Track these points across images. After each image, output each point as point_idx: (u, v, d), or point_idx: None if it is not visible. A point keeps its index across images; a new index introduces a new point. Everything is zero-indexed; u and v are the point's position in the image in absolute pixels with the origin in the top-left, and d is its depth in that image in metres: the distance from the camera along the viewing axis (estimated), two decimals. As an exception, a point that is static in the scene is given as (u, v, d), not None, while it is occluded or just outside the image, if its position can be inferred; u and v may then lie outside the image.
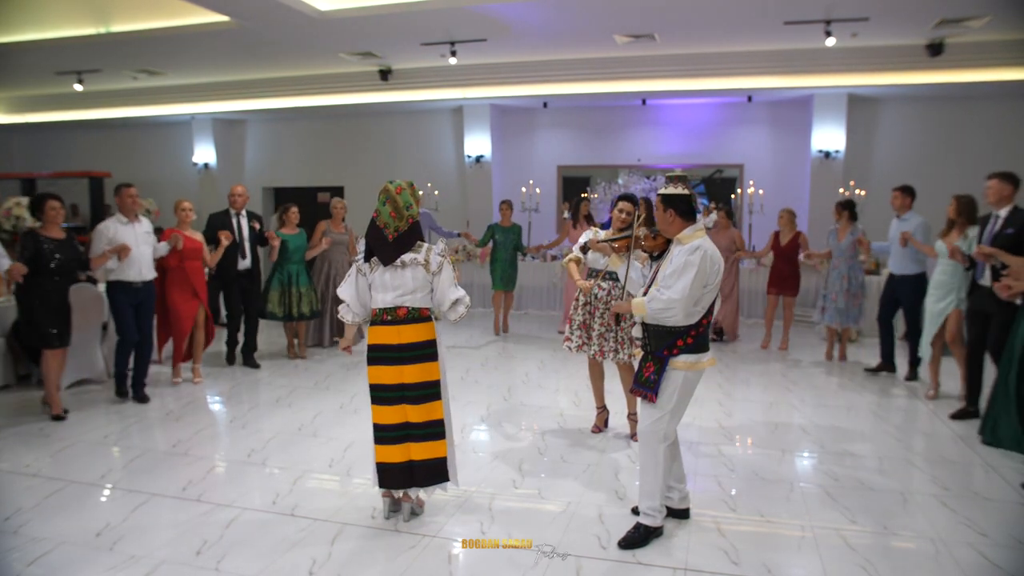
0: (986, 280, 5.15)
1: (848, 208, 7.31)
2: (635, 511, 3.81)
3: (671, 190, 3.49)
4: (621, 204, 4.78)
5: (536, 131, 12.20)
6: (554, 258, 10.41)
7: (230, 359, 7.30)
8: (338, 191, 13.35)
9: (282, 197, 13.87)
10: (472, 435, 5.18)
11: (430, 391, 3.59)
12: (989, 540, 3.55)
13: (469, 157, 11.94)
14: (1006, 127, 10.08)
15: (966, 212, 5.67)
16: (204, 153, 13.48)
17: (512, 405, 5.89)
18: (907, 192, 6.67)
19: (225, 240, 6.58)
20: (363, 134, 12.91)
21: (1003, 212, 5.16)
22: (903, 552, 3.46)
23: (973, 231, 5.55)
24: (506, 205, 8.97)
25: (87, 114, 12.79)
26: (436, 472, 3.65)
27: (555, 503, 3.97)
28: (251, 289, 7.17)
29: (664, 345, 3.43)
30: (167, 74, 11.02)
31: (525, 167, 12.09)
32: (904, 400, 6.04)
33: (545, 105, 11.58)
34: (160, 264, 6.13)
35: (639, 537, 3.48)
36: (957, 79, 9.13)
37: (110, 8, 8.12)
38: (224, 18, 7.92)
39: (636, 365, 3.70)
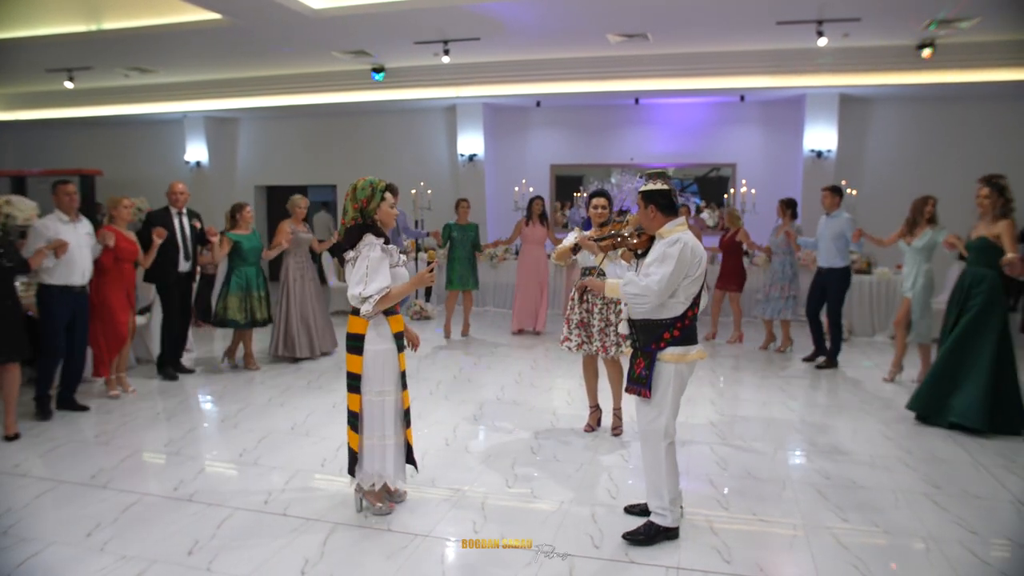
0: None
1: (791, 207, 7.75)
2: (627, 510, 3.83)
3: (651, 186, 3.51)
4: (595, 200, 4.80)
5: (529, 130, 12.21)
6: (547, 256, 10.39)
7: (160, 367, 6.70)
8: (331, 190, 13.34)
9: (275, 196, 13.85)
10: (464, 434, 5.17)
11: (351, 382, 3.70)
12: (979, 538, 3.57)
13: (462, 156, 11.93)
14: (997, 127, 10.16)
15: (935, 214, 6.23)
16: (196, 151, 13.44)
17: (505, 404, 5.89)
18: (836, 192, 7.15)
19: (158, 238, 6.06)
20: (356, 133, 12.89)
21: None
22: (894, 550, 3.47)
23: (930, 232, 6.14)
24: (464, 203, 8.74)
25: (78, 112, 12.72)
26: (351, 461, 3.76)
27: (548, 502, 3.97)
28: (186, 292, 6.70)
29: (652, 339, 3.44)
30: (159, 72, 10.98)
31: (518, 166, 12.10)
32: (894, 398, 6.06)
33: (538, 104, 11.59)
34: (107, 260, 5.75)
35: (645, 534, 3.46)
36: (948, 79, 9.19)
37: (101, 5, 8.07)
38: (216, 16, 7.88)
39: (625, 363, 3.69)
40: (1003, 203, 5.16)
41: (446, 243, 8.69)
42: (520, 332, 8.87)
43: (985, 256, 5.15)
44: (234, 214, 6.96)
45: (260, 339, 7.62)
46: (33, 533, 3.57)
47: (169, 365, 6.66)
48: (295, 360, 7.28)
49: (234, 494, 4.06)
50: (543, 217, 8.81)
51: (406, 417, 3.84)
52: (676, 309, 3.42)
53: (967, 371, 5.11)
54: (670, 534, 3.49)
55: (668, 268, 3.32)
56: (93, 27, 8.54)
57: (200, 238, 6.68)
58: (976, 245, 5.25)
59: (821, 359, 7.25)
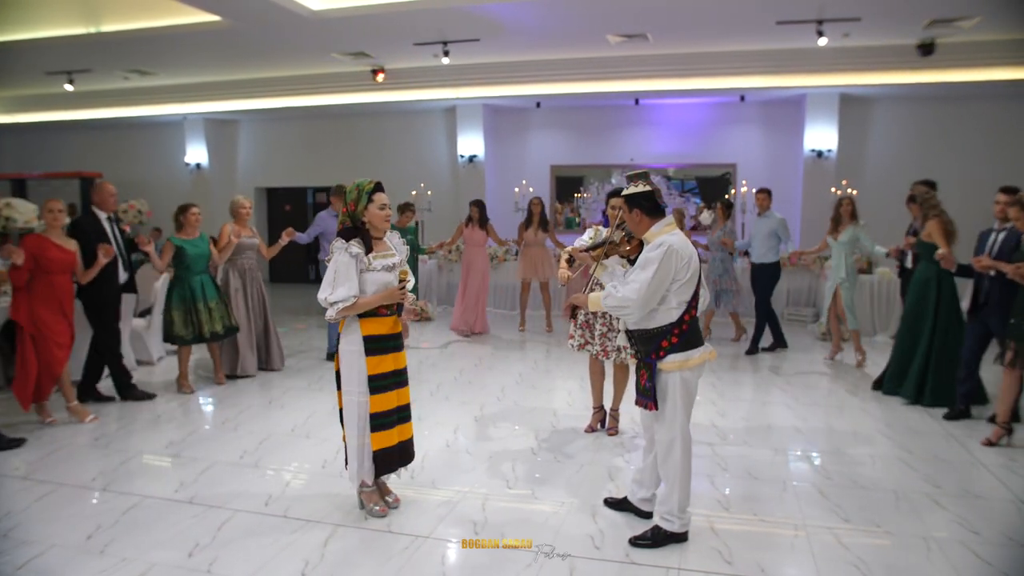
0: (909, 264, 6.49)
1: (730, 208, 8.42)
2: (606, 502, 3.88)
3: (633, 189, 3.41)
4: (613, 201, 4.75)
5: (529, 131, 12.21)
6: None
7: (122, 392, 5.99)
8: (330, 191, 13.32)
9: (275, 197, 13.87)
10: (465, 436, 5.17)
11: (336, 380, 3.76)
12: (981, 538, 3.56)
13: (462, 157, 11.94)
14: (997, 126, 10.16)
15: (854, 212, 7.10)
16: (196, 153, 13.45)
17: (505, 405, 5.89)
18: (768, 194, 7.89)
19: (104, 257, 5.37)
20: (356, 134, 12.90)
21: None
22: (895, 550, 3.47)
23: (851, 229, 6.99)
24: (409, 209, 8.18)
25: (78, 114, 12.74)
26: (346, 456, 3.82)
27: (548, 503, 3.97)
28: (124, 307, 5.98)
29: (651, 349, 3.35)
30: (158, 74, 10.98)
31: (518, 167, 12.10)
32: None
33: (538, 105, 11.60)
34: (16, 278, 5.04)
35: (652, 539, 3.45)
36: (948, 79, 9.19)
37: (100, 8, 8.08)
38: (215, 18, 7.89)
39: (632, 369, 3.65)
40: (923, 207, 5.90)
41: None
42: (462, 334, 8.78)
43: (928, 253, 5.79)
44: (178, 216, 6.27)
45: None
46: (34, 536, 3.57)
47: (114, 388, 5.95)
48: (236, 377, 6.65)
49: (234, 496, 4.06)
50: (483, 221, 8.76)
51: (399, 414, 3.77)
52: (670, 315, 3.30)
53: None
54: (678, 538, 3.47)
55: (647, 274, 3.22)
56: (92, 29, 8.55)
57: (132, 245, 5.99)
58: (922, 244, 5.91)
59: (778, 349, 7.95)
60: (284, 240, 6.77)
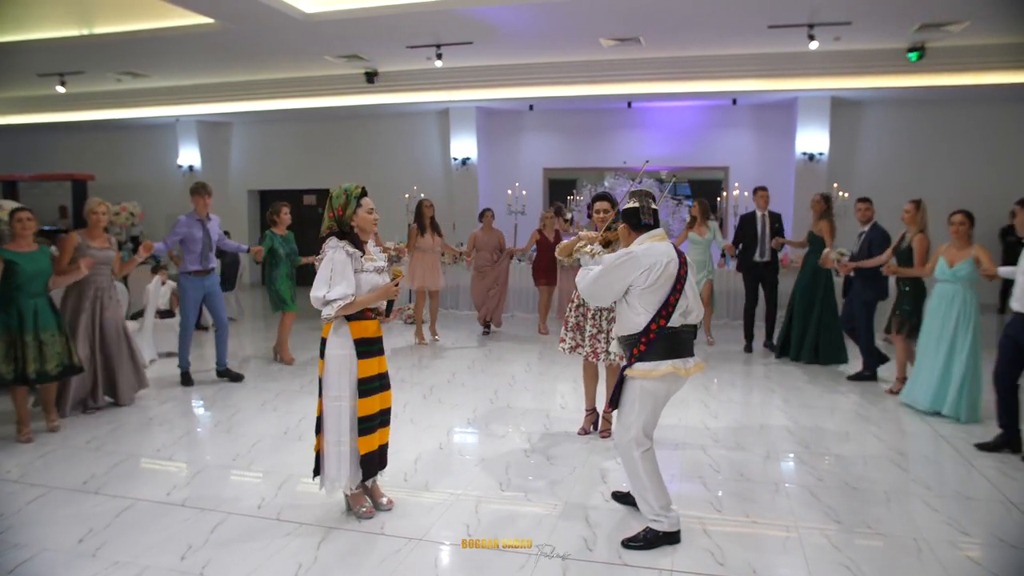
0: (758, 257, 7.98)
1: (778, 220, 8.83)
2: (614, 496, 3.95)
3: (627, 204, 3.59)
4: (597, 204, 4.77)
5: (522, 134, 12.24)
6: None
7: None
8: (323, 194, 13.30)
9: (268, 200, 13.82)
10: (458, 438, 5.17)
11: (319, 386, 3.72)
12: (971, 539, 3.59)
13: (455, 160, 11.95)
14: (986, 129, 10.25)
15: (707, 212, 8.16)
16: (189, 155, 13.42)
17: (498, 407, 5.89)
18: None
19: None
20: (349, 137, 12.90)
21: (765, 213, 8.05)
22: (886, 551, 3.49)
23: (713, 224, 8.20)
24: (284, 208, 7.40)
25: (70, 116, 12.72)
26: (316, 463, 3.79)
27: (541, 505, 3.98)
28: None
29: (628, 355, 3.46)
30: (151, 76, 10.97)
31: (511, 170, 12.12)
32: (886, 401, 6.09)
33: (531, 108, 11.63)
34: None
35: (644, 540, 3.46)
36: (938, 83, 9.26)
37: (93, 9, 8.07)
38: (208, 20, 7.89)
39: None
40: (824, 209, 7.41)
41: (267, 255, 7.23)
42: None
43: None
44: (9, 223, 5.06)
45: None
46: (25, 539, 3.55)
47: None
48: (87, 410, 5.59)
49: (227, 499, 4.05)
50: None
51: (381, 418, 3.76)
52: (637, 322, 3.37)
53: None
54: (671, 538, 3.48)
55: (597, 269, 3.48)
56: (85, 31, 8.53)
57: None
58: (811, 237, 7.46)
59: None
60: (142, 255, 5.83)
